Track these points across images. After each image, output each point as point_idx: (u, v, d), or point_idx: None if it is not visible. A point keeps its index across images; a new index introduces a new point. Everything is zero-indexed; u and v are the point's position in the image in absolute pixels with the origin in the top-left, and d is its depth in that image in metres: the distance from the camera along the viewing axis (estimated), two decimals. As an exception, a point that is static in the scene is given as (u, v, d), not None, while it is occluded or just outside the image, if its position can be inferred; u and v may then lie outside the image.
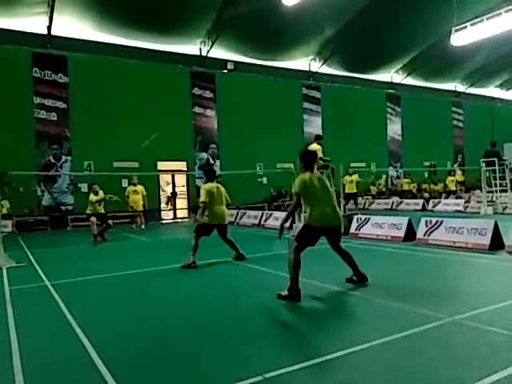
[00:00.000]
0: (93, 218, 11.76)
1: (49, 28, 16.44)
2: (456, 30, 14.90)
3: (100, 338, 3.83)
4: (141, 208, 14.40)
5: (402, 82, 26.71)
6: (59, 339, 3.91)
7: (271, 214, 14.33)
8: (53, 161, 17.07)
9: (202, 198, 7.47)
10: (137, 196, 14.14)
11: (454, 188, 20.06)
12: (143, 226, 14.62)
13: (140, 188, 14.26)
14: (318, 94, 23.84)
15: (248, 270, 6.96)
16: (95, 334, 3.90)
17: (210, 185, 7.65)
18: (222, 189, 7.77)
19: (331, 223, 5.21)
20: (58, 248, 11.06)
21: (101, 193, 12.08)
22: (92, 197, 11.99)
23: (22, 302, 5.26)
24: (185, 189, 20.39)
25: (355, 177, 16.99)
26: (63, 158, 17.25)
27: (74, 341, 3.78)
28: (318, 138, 11.97)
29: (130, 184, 14.69)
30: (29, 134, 16.60)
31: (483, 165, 15.21)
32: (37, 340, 3.91)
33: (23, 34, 16.27)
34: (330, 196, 5.31)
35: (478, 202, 16.40)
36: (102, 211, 12.13)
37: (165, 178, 20.61)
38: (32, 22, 16.16)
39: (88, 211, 12.00)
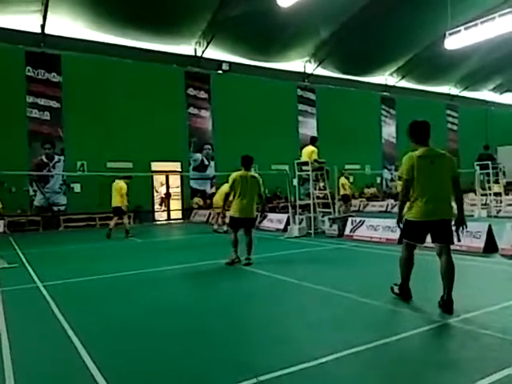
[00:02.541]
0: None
1: (42, 27, 16.34)
2: (450, 34, 15.00)
3: (92, 340, 3.78)
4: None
5: (397, 85, 26.86)
6: (51, 341, 3.85)
7: (265, 216, 14.28)
8: (45, 160, 16.93)
9: (227, 188, 7.39)
10: (217, 196, 13.50)
11: None
12: (225, 228, 12.85)
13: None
14: (312, 96, 23.89)
15: (243, 272, 6.92)
16: (87, 337, 3.85)
17: (238, 173, 7.33)
18: (254, 178, 7.36)
19: (436, 216, 4.26)
20: (50, 249, 10.95)
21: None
22: (125, 186, 12.36)
23: (14, 304, 5.19)
24: (179, 190, 20.33)
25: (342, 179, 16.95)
26: (56, 157, 17.12)
27: (65, 343, 3.73)
28: (313, 140, 12.02)
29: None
30: (21, 133, 16.46)
31: (477, 168, 15.31)
32: (28, 342, 3.85)
33: (17, 32, 16.15)
34: (441, 180, 4.32)
35: (472, 204, 16.50)
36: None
37: (159, 179, 20.55)
38: (26, 21, 16.05)
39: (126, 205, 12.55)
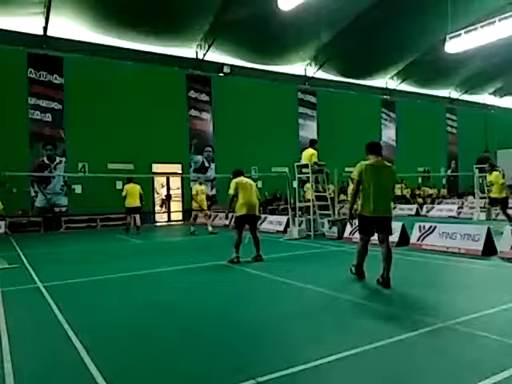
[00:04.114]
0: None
1: (45, 28, 16.40)
2: (451, 38, 15.04)
3: (93, 341, 3.80)
4: (206, 208, 14.08)
5: (397, 88, 26.90)
6: (51, 341, 3.87)
7: (265, 218, 14.34)
8: (47, 162, 16.97)
9: (230, 191, 7.80)
10: (203, 195, 13.83)
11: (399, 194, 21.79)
12: (210, 228, 13.64)
13: (206, 188, 14.16)
14: (313, 99, 23.94)
15: (243, 273, 6.94)
16: (88, 337, 3.87)
17: (239, 179, 7.90)
18: (253, 184, 8.03)
19: (380, 213, 5.45)
20: (51, 249, 10.98)
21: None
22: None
23: (14, 304, 5.22)
24: (179, 191, 20.35)
25: None
26: (57, 159, 17.16)
27: (66, 343, 3.75)
28: (312, 143, 12.04)
29: (199, 183, 14.19)
30: (23, 134, 16.50)
31: (476, 171, 15.34)
32: (28, 342, 3.87)
33: (19, 34, 16.21)
34: (384, 185, 5.46)
35: (471, 207, 16.52)
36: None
37: (159, 181, 20.58)
38: (28, 23, 16.11)
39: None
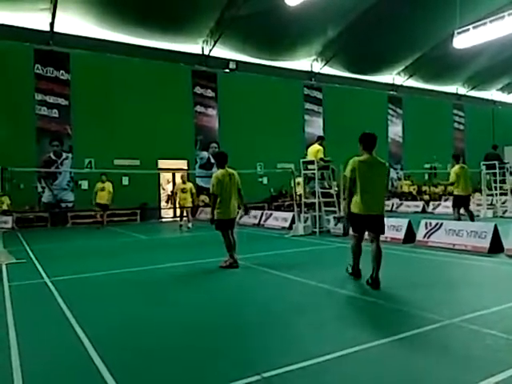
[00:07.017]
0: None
1: (51, 24, 16.44)
2: (459, 33, 14.89)
3: (99, 336, 3.83)
4: (189, 205, 14.00)
5: (404, 84, 26.70)
6: (58, 336, 3.90)
7: (271, 214, 14.34)
8: (53, 157, 17.07)
9: (213, 189, 6.72)
10: (185, 194, 13.80)
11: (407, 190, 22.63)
12: (190, 225, 14.02)
13: (189, 186, 14.00)
14: (319, 95, 23.84)
15: (246, 269, 6.95)
16: (94, 332, 3.89)
17: (221, 172, 6.84)
18: (237, 177, 7.02)
19: (371, 211, 5.22)
20: (57, 245, 11.07)
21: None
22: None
23: (22, 299, 5.26)
24: (185, 187, 20.37)
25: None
26: (64, 154, 17.25)
27: (72, 338, 3.77)
28: (319, 139, 12.03)
29: (182, 181, 14.19)
30: (30, 130, 16.60)
31: (483, 168, 15.22)
32: (35, 337, 3.90)
33: (26, 30, 16.27)
34: (377, 183, 5.22)
35: (478, 205, 16.40)
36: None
37: (165, 177, 20.64)
38: (35, 18, 16.15)
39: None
